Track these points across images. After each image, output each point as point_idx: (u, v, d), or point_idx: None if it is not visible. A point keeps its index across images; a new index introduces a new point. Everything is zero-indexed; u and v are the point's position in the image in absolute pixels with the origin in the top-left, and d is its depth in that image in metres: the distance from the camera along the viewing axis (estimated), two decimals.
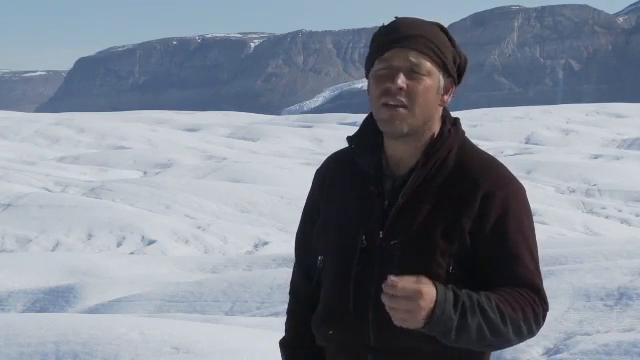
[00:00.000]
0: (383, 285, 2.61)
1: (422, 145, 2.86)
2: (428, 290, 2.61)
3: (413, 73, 2.79)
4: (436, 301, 2.62)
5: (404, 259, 2.80)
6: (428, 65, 2.80)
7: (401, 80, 2.78)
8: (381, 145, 2.89)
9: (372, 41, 2.87)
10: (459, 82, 2.91)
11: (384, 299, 2.61)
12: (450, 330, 2.65)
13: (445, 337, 2.67)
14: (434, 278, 2.71)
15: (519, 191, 2.86)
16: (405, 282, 2.60)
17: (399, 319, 2.62)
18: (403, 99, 2.79)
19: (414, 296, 2.59)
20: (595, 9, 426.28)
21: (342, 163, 2.98)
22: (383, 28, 2.85)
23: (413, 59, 2.79)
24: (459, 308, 2.65)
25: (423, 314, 2.61)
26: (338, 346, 2.92)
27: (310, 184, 3.09)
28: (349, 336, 2.88)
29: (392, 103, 2.79)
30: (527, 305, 2.76)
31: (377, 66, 2.82)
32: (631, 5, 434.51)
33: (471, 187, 2.82)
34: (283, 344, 3.10)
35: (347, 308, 2.87)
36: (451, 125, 2.90)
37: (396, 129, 2.81)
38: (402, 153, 2.87)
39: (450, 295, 2.65)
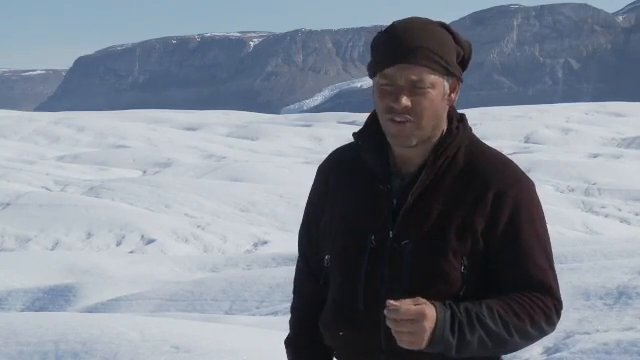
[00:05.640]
0: (385, 311, 2.59)
1: (431, 144, 2.82)
2: (429, 310, 2.61)
3: (416, 89, 2.75)
4: (436, 321, 2.62)
5: (416, 260, 2.77)
6: (431, 78, 2.75)
7: (404, 100, 2.74)
8: (387, 142, 2.85)
9: (372, 47, 2.81)
10: (465, 69, 2.87)
11: (389, 324, 2.60)
12: (450, 348, 2.65)
13: (448, 353, 2.67)
14: (447, 279, 2.74)
15: (530, 188, 2.83)
16: (406, 304, 2.59)
17: (405, 342, 2.61)
18: (409, 116, 2.75)
19: (418, 318, 2.59)
20: (594, 8, 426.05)
21: (347, 160, 2.93)
22: (382, 37, 2.79)
23: (414, 77, 2.74)
24: (456, 328, 2.64)
25: (427, 335, 2.61)
26: (349, 348, 2.88)
27: (310, 183, 3.04)
28: (360, 338, 2.84)
29: (399, 119, 2.76)
30: (536, 310, 2.75)
31: (379, 80, 2.77)
32: (630, 4, 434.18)
33: (482, 186, 2.79)
34: (289, 343, 3.04)
35: (357, 309, 2.83)
36: (458, 122, 2.86)
37: (404, 142, 2.79)
38: (410, 153, 2.83)
39: (448, 315, 2.65)
